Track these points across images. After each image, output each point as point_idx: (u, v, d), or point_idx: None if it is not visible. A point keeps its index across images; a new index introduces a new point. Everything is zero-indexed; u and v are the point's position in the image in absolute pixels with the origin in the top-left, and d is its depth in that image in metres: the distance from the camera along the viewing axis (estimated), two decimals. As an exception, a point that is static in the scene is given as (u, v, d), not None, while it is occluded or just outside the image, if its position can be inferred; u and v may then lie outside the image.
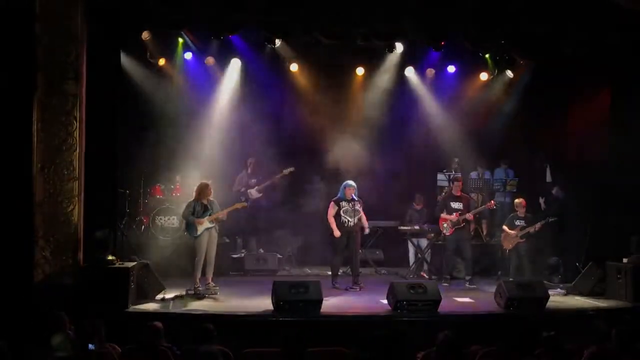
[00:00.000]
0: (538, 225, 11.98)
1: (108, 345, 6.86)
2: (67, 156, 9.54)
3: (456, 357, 6.17)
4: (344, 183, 11.67)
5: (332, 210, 11.56)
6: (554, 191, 13.60)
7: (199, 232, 10.63)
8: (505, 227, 12.33)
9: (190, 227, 10.73)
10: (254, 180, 13.75)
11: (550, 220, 12.12)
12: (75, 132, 9.56)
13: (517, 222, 12.20)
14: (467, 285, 12.03)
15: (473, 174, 14.35)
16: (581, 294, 11.09)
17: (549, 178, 14.03)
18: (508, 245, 12.23)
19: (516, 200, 12.53)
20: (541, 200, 13.77)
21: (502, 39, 11.37)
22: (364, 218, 11.68)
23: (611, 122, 11.82)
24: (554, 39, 11.00)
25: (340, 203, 11.55)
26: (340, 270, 11.90)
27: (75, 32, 9.57)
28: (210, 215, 10.68)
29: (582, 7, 10.60)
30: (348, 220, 11.49)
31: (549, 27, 10.77)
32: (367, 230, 11.84)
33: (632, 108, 11.30)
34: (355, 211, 11.47)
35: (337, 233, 11.45)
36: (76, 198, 9.58)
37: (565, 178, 13.45)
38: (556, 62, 12.50)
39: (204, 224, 10.64)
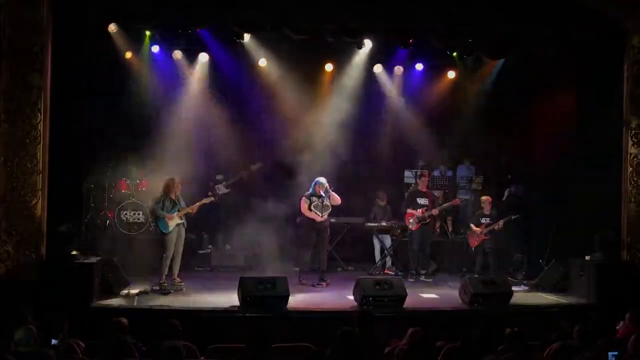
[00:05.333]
0: (501, 223, 12.15)
1: (71, 341, 6.78)
2: (31, 149, 9.41)
3: (425, 353, 6.21)
4: (315, 180, 11.70)
5: (304, 204, 11.58)
6: (511, 189, 13.72)
7: (170, 228, 10.57)
8: (471, 225, 12.47)
9: (161, 223, 10.65)
10: (221, 176, 13.68)
11: (513, 217, 12.27)
12: (39, 125, 9.42)
13: (483, 220, 12.35)
14: (423, 278, 12.20)
15: (436, 172, 14.45)
16: (545, 290, 11.22)
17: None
18: (474, 243, 12.38)
19: (482, 197, 12.68)
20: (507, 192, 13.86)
21: (469, 38, 11.44)
22: (337, 199, 11.69)
23: (576, 120, 11.97)
24: (519, 38, 11.11)
25: (311, 198, 11.58)
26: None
27: (41, 23, 9.43)
28: (179, 210, 10.62)
29: (546, 5, 10.72)
30: (317, 216, 11.51)
31: (515, 25, 10.88)
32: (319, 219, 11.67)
33: (596, 106, 11.45)
34: (324, 207, 11.51)
35: (318, 218, 11.45)
36: (40, 192, 9.44)
37: (530, 175, 13.61)
38: (523, 60, 12.65)
39: (175, 220, 10.60)
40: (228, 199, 13.62)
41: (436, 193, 13.66)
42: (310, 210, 11.53)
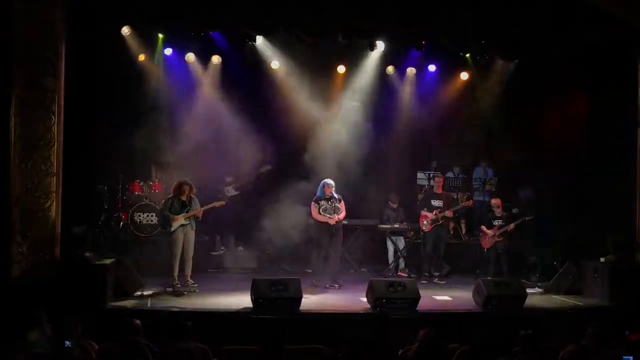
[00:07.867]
0: (512, 225, 12.11)
1: (85, 343, 6.81)
2: (45, 151, 9.46)
3: (436, 355, 6.20)
4: (323, 182, 11.66)
5: (314, 209, 11.53)
6: (521, 194, 13.62)
7: (172, 228, 10.61)
8: (483, 227, 12.44)
9: (164, 222, 10.73)
10: (230, 178, 13.70)
11: (527, 219, 12.22)
12: (53, 128, 9.48)
13: (495, 222, 12.31)
14: (436, 280, 12.20)
15: (450, 174, 14.40)
16: (559, 292, 11.16)
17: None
18: (486, 245, 12.33)
19: (492, 201, 12.67)
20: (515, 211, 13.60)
21: (482, 39, 11.43)
22: (341, 215, 11.64)
23: (589, 121, 11.92)
24: (532, 39, 11.09)
25: (320, 202, 11.54)
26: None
27: (54, 27, 9.49)
28: (187, 212, 10.65)
29: (559, 7, 10.69)
30: (330, 219, 11.47)
31: (527, 26, 10.86)
32: (332, 222, 11.56)
33: (610, 107, 11.40)
34: (335, 208, 11.48)
35: (332, 221, 11.37)
36: (54, 194, 9.50)
37: (544, 176, 13.55)
38: (535, 61, 12.61)
39: (179, 221, 10.62)
40: (241, 201, 13.62)
41: (453, 195, 13.61)
42: (320, 214, 11.49)
